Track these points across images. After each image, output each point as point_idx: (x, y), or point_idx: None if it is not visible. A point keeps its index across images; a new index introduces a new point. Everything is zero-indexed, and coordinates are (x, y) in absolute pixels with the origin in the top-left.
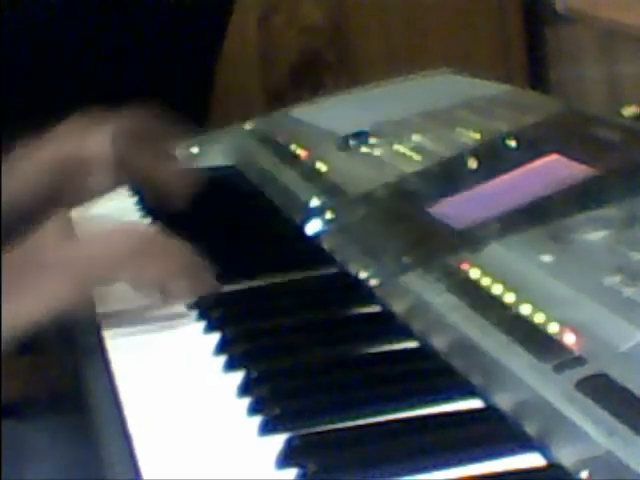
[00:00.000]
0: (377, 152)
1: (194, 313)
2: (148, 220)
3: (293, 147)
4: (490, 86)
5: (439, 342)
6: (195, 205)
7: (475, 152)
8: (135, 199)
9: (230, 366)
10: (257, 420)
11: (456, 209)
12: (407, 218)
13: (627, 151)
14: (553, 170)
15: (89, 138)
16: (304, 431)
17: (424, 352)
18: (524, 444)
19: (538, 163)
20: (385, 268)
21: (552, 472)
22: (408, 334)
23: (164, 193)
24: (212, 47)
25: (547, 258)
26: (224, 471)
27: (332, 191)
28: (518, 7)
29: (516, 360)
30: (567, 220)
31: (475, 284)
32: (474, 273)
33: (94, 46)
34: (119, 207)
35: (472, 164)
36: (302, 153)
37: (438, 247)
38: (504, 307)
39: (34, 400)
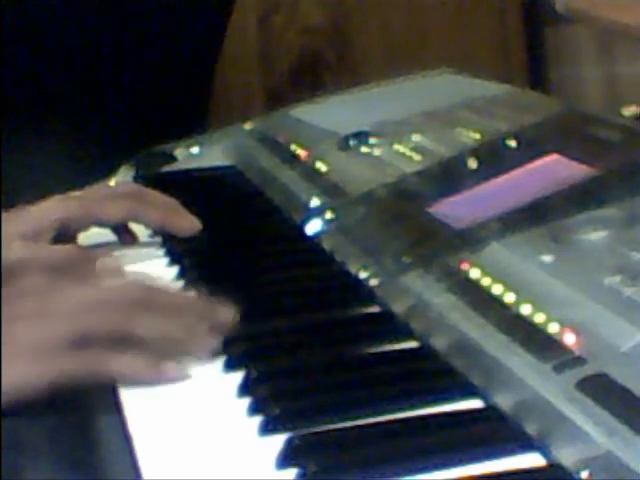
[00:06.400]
0: (377, 152)
1: None
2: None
3: (293, 147)
4: (490, 86)
5: (439, 342)
6: (195, 205)
7: (475, 152)
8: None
9: (230, 366)
10: (257, 420)
11: (456, 209)
12: (407, 218)
13: (627, 151)
14: (553, 170)
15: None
16: (304, 431)
17: (424, 352)
18: (524, 444)
19: (538, 163)
20: (385, 268)
21: (552, 472)
22: (408, 334)
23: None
24: (212, 47)
25: (547, 258)
26: (224, 471)
27: (332, 191)
28: (518, 7)
29: (516, 360)
30: (567, 220)
31: (475, 284)
32: (474, 273)
33: (94, 46)
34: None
35: (472, 164)
36: (302, 153)
37: (438, 247)
38: (504, 307)
39: (33, 400)
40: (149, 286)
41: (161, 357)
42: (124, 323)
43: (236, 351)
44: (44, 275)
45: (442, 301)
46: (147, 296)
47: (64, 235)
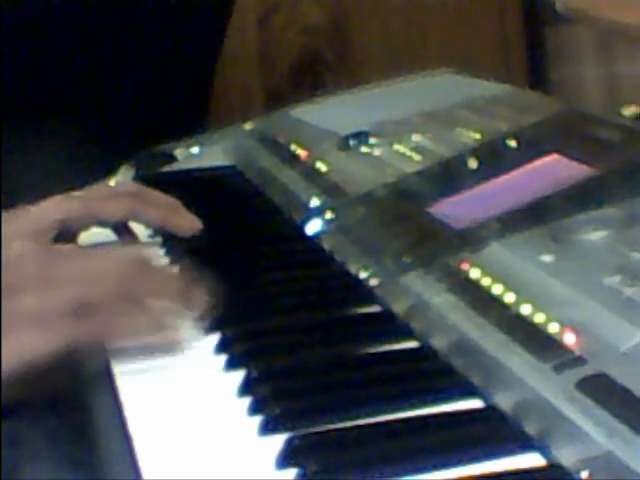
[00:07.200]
0: (377, 152)
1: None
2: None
3: (293, 147)
4: (490, 86)
5: (439, 342)
6: (195, 205)
7: (475, 152)
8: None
9: (230, 365)
10: (257, 420)
11: (456, 209)
12: (407, 218)
13: (627, 151)
14: (553, 170)
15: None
16: (304, 431)
17: (424, 352)
18: (524, 444)
19: (538, 163)
20: (385, 268)
21: (552, 472)
22: (408, 334)
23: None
24: (212, 47)
25: (547, 258)
26: (224, 471)
27: (332, 191)
28: (518, 7)
29: (516, 360)
30: (567, 220)
31: (475, 284)
32: (474, 273)
33: (94, 46)
34: None
35: (472, 164)
36: (302, 153)
37: (438, 247)
38: (504, 307)
39: (34, 400)
40: (145, 257)
41: (162, 319)
42: (125, 289)
43: (236, 351)
44: (43, 255)
45: (442, 301)
46: (144, 264)
47: (65, 235)
